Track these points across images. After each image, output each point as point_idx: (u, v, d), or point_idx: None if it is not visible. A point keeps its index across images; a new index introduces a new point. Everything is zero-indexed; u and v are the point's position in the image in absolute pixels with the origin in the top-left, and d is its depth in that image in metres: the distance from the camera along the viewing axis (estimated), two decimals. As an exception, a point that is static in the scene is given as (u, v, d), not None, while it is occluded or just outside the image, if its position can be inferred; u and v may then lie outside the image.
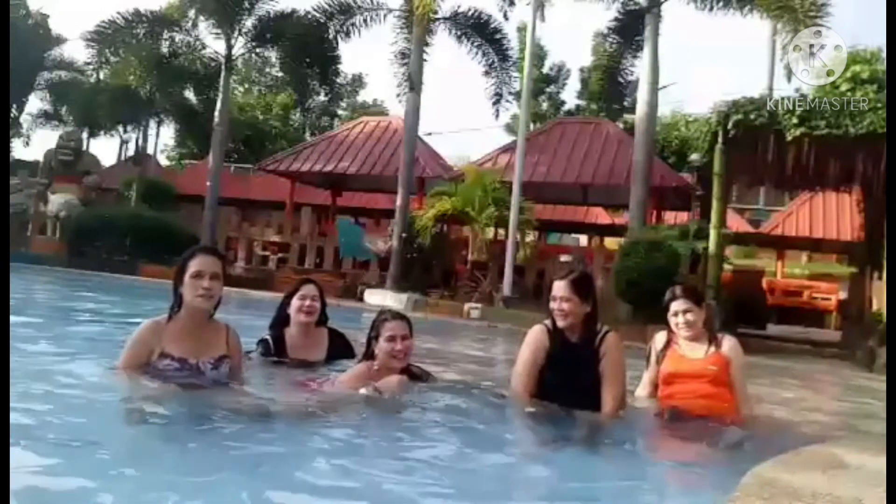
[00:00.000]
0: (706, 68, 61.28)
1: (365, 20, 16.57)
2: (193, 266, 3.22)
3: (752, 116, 10.09)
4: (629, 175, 13.27)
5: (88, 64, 20.36)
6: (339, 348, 4.25)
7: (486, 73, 16.96)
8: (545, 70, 33.33)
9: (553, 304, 3.56)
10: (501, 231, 14.78)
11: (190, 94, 23.08)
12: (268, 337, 4.13)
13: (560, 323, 3.56)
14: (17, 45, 18.55)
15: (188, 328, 3.28)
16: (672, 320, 3.84)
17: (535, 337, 3.63)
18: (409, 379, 3.65)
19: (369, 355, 3.63)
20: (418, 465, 2.65)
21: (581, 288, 3.55)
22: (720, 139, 10.32)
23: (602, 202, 19.23)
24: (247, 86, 37.27)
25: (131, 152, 27.12)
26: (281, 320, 4.20)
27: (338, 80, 20.43)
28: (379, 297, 12.36)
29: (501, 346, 8.46)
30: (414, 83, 14.70)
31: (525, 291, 13.04)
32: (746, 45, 45.72)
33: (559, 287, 3.55)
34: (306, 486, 2.30)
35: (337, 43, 17.41)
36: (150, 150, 25.96)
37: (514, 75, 17.03)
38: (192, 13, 19.17)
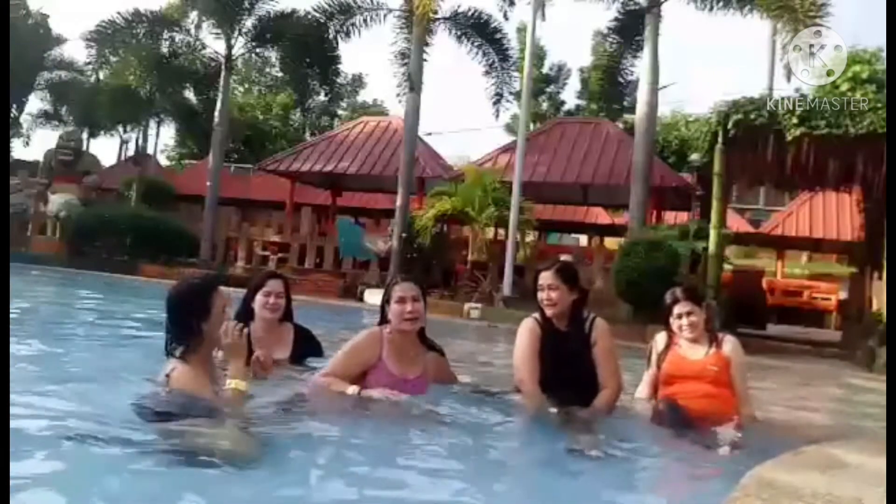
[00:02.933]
0: (706, 68, 61.48)
1: (365, 20, 16.61)
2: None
3: (752, 116, 10.07)
4: (629, 175, 13.27)
5: (88, 64, 20.42)
6: (306, 346, 4.16)
7: (486, 73, 17.01)
8: (545, 70, 33.32)
9: (541, 294, 3.67)
10: (501, 231, 14.77)
11: (190, 94, 23.11)
12: None
13: (549, 312, 3.66)
14: (17, 45, 18.54)
15: None
16: (675, 323, 3.83)
17: (527, 327, 3.72)
18: (423, 345, 3.66)
19: (384, 320, 3.66)
20: (418, 468, 2.65)
21: (566, 276, 3.69)
22: (720, 139, 10.30)
23: (602, 202, 19.23)
24: (247, 86, 37.28)
25: (131, 152, 27.13)
26: (245, 315, 4.02)
27: (338, 80, 20.48)
28: (379, 297, 12.31)
29: (502, 345, 8.44)
30: (414, 83, 14.71)
31: (525, 291, 12.97)
32: (746, 45, 45.92)
33: (546, 276, 3.68)
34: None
35: (337, 43, 17.45)
36: (150, 150, 26.03)
37: (514, 75, 17.06)
38: (192, 13, 19.19)
